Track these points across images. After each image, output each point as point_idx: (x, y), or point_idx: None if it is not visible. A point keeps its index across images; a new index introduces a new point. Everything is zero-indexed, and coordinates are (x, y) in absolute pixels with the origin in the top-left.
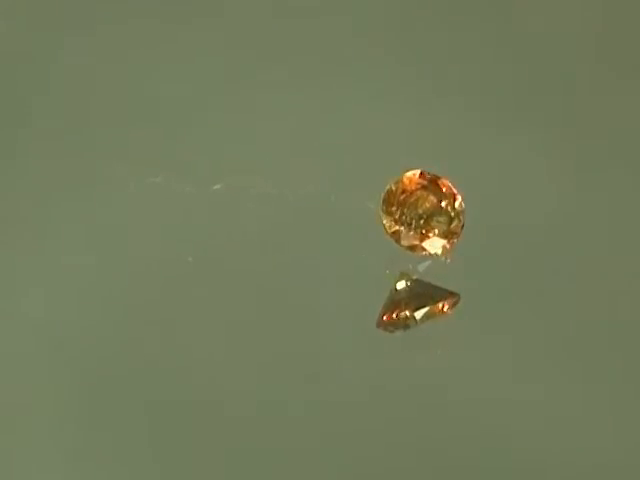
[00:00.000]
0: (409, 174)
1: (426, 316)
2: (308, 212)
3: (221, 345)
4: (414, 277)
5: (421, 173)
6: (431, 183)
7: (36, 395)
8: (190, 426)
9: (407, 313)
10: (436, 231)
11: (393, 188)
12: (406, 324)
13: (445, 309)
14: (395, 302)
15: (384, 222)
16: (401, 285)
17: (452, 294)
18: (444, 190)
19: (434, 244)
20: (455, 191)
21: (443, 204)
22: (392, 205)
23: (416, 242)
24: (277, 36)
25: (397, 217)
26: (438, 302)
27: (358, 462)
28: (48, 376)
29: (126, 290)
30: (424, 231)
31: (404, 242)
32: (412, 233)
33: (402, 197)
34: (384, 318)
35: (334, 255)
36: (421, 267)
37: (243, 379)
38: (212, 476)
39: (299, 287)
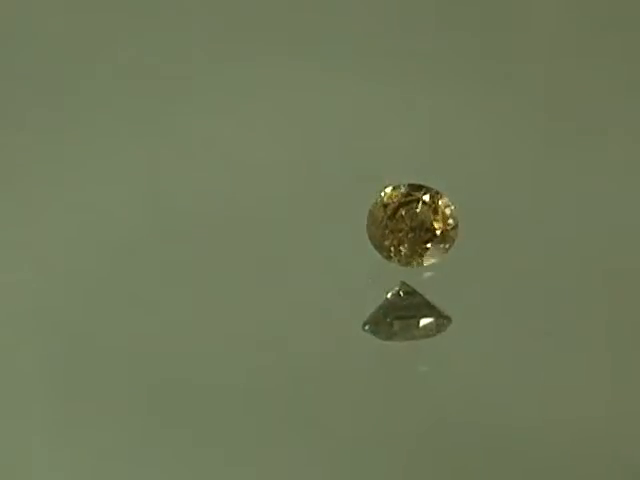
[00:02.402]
0: (387, 193)
1: (407, 329)
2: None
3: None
4: (412, 289)
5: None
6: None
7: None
8: (171, 398)
9: (388, 320)
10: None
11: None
12: (389, 332)
13: (427, 324)
14: (385, 308)
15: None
16: (396, 293)
17: (443, 316)
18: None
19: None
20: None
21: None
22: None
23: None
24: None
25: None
26: (424, 318)
27: (344, 431)
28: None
29: (109, 264)
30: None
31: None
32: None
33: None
34: (369, 320)
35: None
36: (426, 275)
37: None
38: (194, 448)
39: (291, 284)
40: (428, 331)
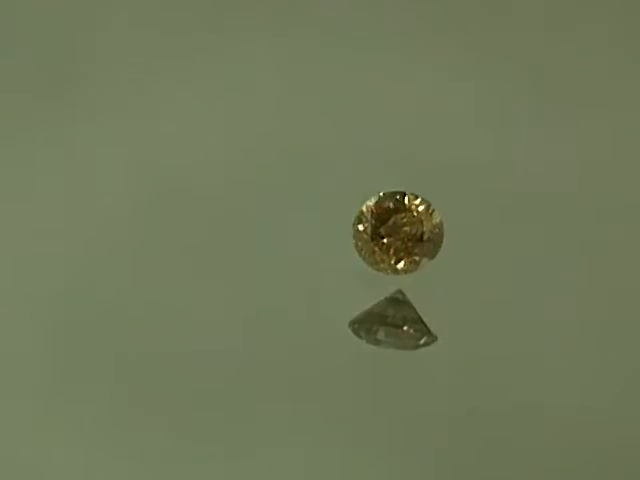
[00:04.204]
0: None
1: (390, 337)
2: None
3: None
4: (407, 300)
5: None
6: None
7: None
8: (162, 370)
9: (375, 328)
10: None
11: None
12: (375, 339)
13: (410, 338)
14: (374, 312)
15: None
16: (386, 299)
17: (429, 333)
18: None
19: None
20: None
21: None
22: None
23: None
24: None
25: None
26: (409, 329)
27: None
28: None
29: (107, 237)
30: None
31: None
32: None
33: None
34: (355, 320)
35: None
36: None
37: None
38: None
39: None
40: (409, 345)
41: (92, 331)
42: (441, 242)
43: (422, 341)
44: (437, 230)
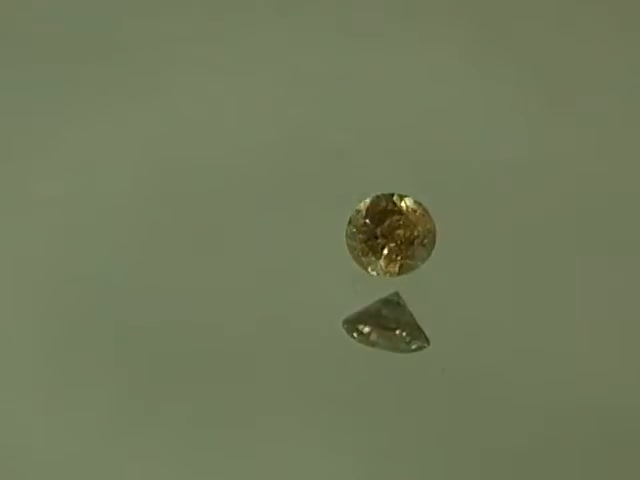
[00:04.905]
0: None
1: (382, 338)
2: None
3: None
4: (403, 303)
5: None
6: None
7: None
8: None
9: (367, 329)
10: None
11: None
12: (368, 339)
13: (402, 341)
14: (367, 312)
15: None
16: (382, 301)
17: (422, 338)
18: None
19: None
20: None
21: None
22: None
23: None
24: None
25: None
26: (401, 332)
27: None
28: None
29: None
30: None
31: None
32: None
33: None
34: (349, 319)
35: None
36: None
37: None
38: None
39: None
40: (401, 348)
41: (92, 314)
42: (434, 245)
43: (414, 345)
44: (430, 233)
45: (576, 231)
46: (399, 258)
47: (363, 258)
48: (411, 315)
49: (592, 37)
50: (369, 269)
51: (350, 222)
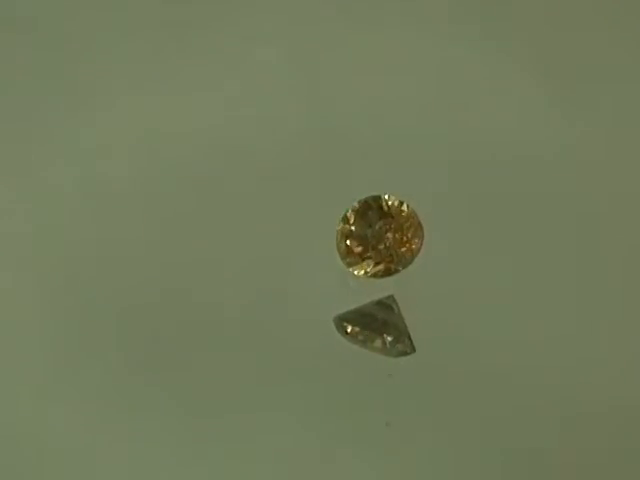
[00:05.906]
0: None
1: (370, 342)
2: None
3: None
4: (396, 307)
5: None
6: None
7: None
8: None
9: (355, 328)
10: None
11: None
12: (357, 339)
13: (389, 344)
14: (359, 313)
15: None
16: (375, 303)
17: (409, 344)
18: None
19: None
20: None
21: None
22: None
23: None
24: None
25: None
26: (388, 336)
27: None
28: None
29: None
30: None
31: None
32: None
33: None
34: (341, 316)
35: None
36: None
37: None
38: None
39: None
40: (387, 352)
41: (95, 295)
42: (420, 247)
43: (400, 350)
44: (417, 236)
45: (576, 231)
46: (388, 260)
47: (353, 259)
48: (402, 320)
49: (600, 32)
50: (358, 271)
51: (340, 223)
